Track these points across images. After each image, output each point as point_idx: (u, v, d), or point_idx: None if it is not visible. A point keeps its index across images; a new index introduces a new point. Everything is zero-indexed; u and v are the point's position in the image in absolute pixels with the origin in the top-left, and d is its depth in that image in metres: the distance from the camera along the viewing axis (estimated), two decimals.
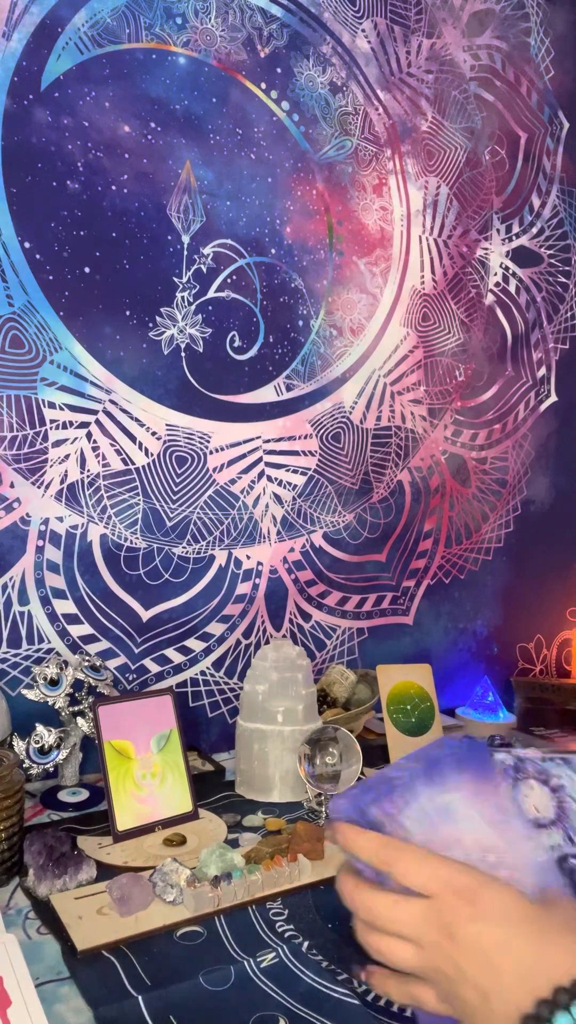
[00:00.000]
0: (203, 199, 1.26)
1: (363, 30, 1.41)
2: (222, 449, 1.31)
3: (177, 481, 1.26)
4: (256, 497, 1.35)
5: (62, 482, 1.17)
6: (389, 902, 0.47)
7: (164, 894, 0.77)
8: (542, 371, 1.72)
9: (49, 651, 1.16)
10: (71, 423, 1.17)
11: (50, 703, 1.06)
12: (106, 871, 0.84)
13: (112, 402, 1.20)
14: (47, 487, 1.16)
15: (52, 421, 1.16)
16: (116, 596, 1.22)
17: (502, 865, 0.51)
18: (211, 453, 1.30)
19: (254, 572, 1.35)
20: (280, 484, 1.37)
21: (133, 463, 1.22)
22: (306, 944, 0.71)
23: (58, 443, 1.16)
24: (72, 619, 1.18)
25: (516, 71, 1.63)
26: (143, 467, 1.23)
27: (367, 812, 0.54)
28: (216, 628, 1.32)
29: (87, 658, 1.13)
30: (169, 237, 1.23)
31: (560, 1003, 0.40)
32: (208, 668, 1.31)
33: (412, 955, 0.46)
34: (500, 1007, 0.42)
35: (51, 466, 1.16)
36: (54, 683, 1.07)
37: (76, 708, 1.07)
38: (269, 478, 1.36)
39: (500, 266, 1.64)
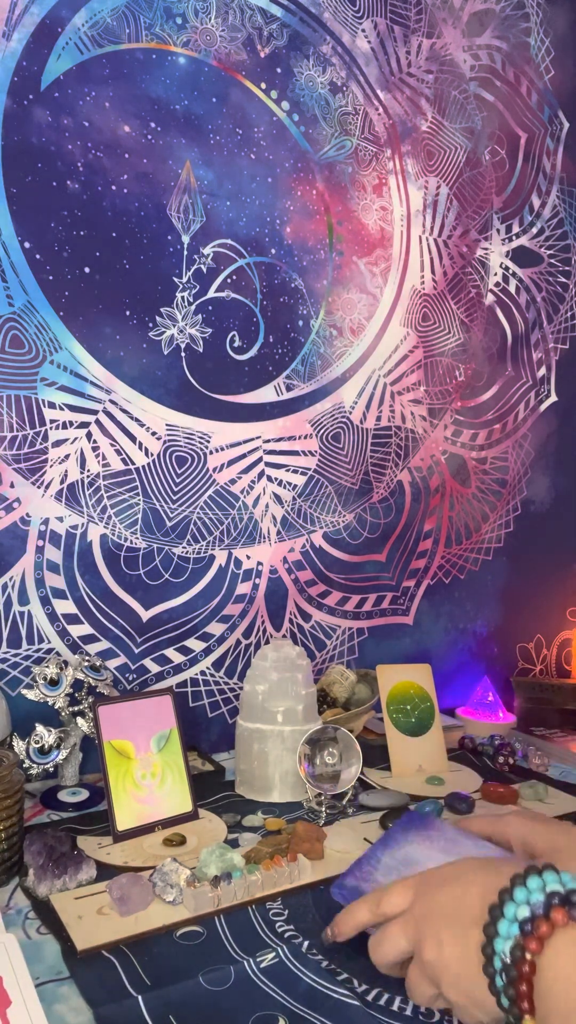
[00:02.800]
0: (203, 199, 1.26)
1: (363, 30, 1.41)
2: (222, 449, 1.31)
3: (177, 481, 1.26)
4: (256, 497, 1.35)
5: (62, 482, 1.17)
6: (371, 904, 0.62)
7: (164, 894, 0.77)
8: (542, 371, 1.72)
9: (49, 651, 1.16)
10: (71, 423, 1.17)
11: (50, 703, 1.06)
12: (106, 871, 0.84)
13: (112, 402, 1.20)
14: (47, 487, 1.16)
15: (52, 421, 1.16)
16: (116, 596, 1.22)
17: None
18: (211, 453, 1.30)
19: (254, 572, 1.35)
20: (280, 484, 1.37)
21: (133, 463, 1.22)
22: (306, 944, 0.71)
23: (58, 443, 1.16)
24: (72, 619, 1.18)
25: (516, 71, 1.63)
26: (143, 467, 1.23)
27: (344, 885, 0.71)
28: (216, 628, 1.32)
29: (87, 658, 1.13)
30: (169, 237, 1.23)
31: (508, 893, 0.48)
32: (208, 668, 1.31)
33: (400, 933, 0.56)
34: (466, 921, 0.51)
35: (51, 466, 1.16)
36: (54, 683, 1.07)
37: (76, 708, 1.07)
38: (269, 478, 1.36)
39: (500, 266, 1.64)
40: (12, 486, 1.13)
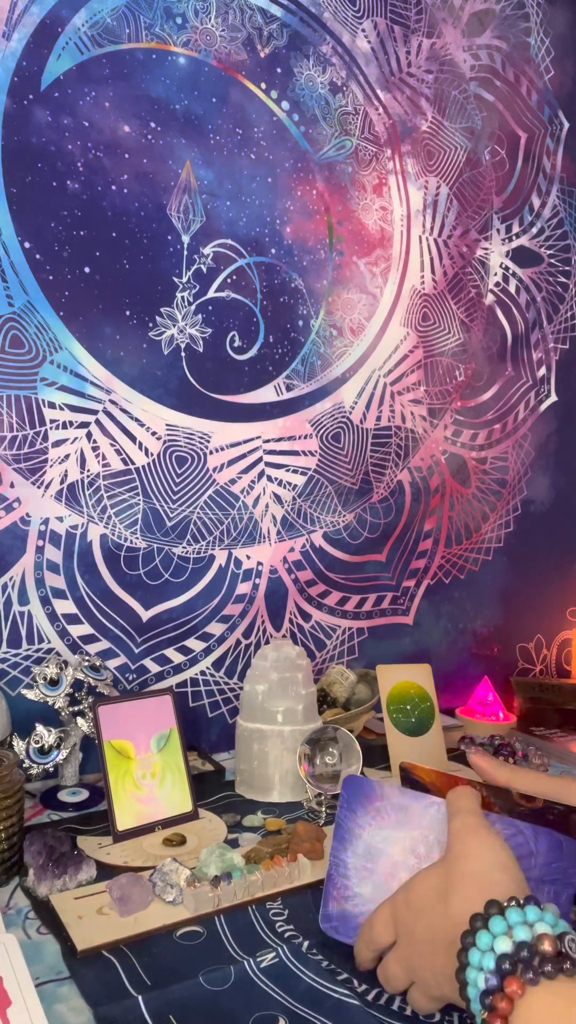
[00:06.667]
0: (203, 199, 1.26)
1: (363, 30, 1.41)
2: (222, 449, 1.31)
3: (177, 481, 1.26)
4: (256, 497, 1.35)
5: (62, 482, 1.17)
6: (365, 943, 0.64)
7: (164, 894, 0.77)
8: (542, 371, 1.72)
9: (49, 651, 1.16)
10: (71, 423, 1.17)
11: (50, 703, 1.06)
12: (106, 871, 0.84)
13: (112, 402, 1.20)
14: (47, 487, 1.16)
15: (52, 421, 1.16)
16: (116, 596, 1.22)
17: (426, 841, 0.67)
18: (211, 453, 1.30)
19: (254, 572, 1.35)
20: (280, 484, 1.37)
21: (133, 463, 1.22)
22: (306, 944, 0.71)
23: (58, 443, 1.16)
24: (72, 619, 1.18)
25: (516, 71, 1.63)
26: (143, 467, 1.23)
27: (330, 916, 0.70)
28: (216, 628, 1.32)
29: (87, 658, 1.13)
30: (169, 237, 1.23)
31: (478, 923, 0.49)
32: (208, 668, 1.31)
33: (394, 962, 0.60)
34: (446, 942, 0.54)
35: (51, 466, 1.16)
36: (54, 683, 1.07)
37: (76, 708, 1.07)
38: (269, 478, 1.36)
39: (500, 266, 1.64)
40: (12, 486, 1.13)
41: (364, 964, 0.66)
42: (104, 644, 1.21)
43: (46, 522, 1.16)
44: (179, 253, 1.24)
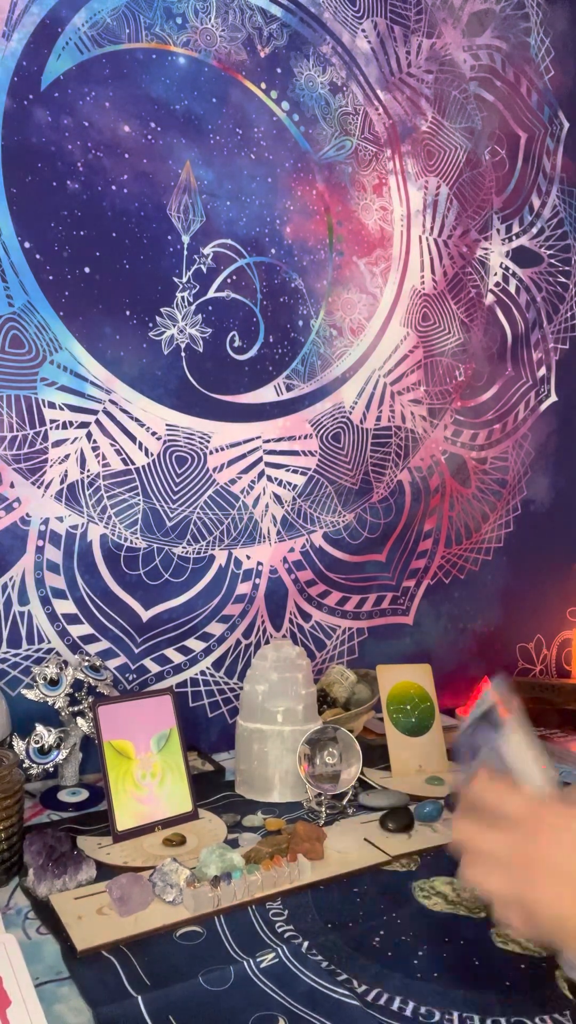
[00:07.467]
0: (203, 199, 1.26)
1: (363, 30, 1.41)
2: (222, 449, 1.31)
3: (177, 481, 1.26)
4: (256, 497, 1.35)
5: (62, 482, 1.17)
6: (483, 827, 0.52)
7: (164, 894, 0.77)
8: (542, 371, 1.72)
9: (49, 651, 1.16)
10: (71, 423, 1.17)
11: (50, 703, 1.06)
12: (106, 871, 0.84)
13: (112, 402, 1.20)
14: (47, 487, 1.16)
15: (52, 421, 1.16)
16: (116, 596, 1.22)
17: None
18: (211, 453, 1.30)
19: (254, 572, 1.35)
20: (280, 484, 1.37)
21: (133, 463, 1.22)
22: (306, 944, 0.71)
23: (58, 443, 1.16)
24: (72, 619, 1.18)
25: (516, 71, 1.63)
26: (143, 467, 1.23)
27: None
28: (216, 628, 1.32)
29: (87, 658, 1.13)
30: (169, 237, 1.23)
31: None
32: (208, 668, 1.31)
33: (500, 880, 0.49)
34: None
35: (51, 466, 1.16)
36: (54, 683, 1.07)
37: (76, 708, 1.07)
38: (269, 478, 1.36)
39: (500, 266, 1.64)
40: (12, 486, 1.13)
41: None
42: (104, 644, 1.21)
43: (46, 522, 1.16)
44: (179, 253, 1.24)
